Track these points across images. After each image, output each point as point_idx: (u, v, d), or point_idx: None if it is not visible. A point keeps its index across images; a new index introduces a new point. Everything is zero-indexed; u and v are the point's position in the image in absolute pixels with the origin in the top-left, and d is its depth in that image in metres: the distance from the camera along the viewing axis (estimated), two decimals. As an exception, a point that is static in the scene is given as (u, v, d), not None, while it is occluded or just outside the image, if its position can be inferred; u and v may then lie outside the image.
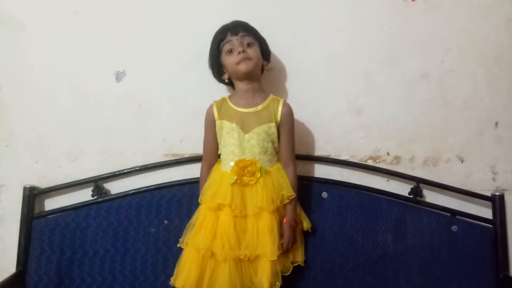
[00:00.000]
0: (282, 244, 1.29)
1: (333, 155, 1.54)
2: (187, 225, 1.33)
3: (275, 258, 1.24)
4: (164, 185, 1.48)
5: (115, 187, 1.51)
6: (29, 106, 1.52)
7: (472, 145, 1.55)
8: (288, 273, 1.32)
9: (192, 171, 1.49)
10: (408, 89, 1.54)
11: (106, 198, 1.48)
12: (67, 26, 1.51)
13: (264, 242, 1.25)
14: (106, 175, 1.49)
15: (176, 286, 1.28)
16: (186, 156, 1.51)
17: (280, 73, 1.51)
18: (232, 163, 1.28)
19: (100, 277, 1.41)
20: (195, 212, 1.33)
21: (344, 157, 1.54)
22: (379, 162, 1.54)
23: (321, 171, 1.53)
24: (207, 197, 1.29)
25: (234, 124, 1.31)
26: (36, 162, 1.51)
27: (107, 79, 1.52)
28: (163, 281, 1.40)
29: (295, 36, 1.51)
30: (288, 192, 1.29)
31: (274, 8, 1.50)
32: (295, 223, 1.33)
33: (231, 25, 1.35)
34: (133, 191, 1.48)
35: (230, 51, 1.32)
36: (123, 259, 1.42)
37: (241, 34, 1.32)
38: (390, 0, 1.53)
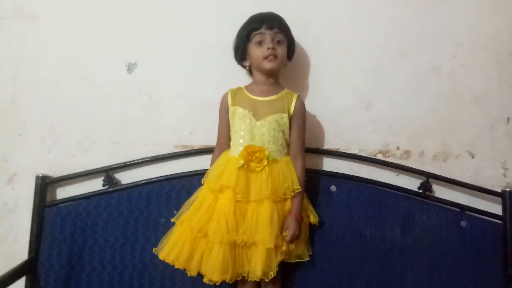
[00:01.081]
0: (285, 236, 1.28)
1: (342, 148, 1.53)
2: (185, 203, 1.34)
3: (272, 246, 1.24)
4: (174, 176, 1.49)
5: (126, 177, 1.52)
6: (42, 96, 1.54)
7: (483, 140, 1.54)
8: (292, 261, 1.32)
9: (201, 162, 1.50)
10: (419, 84, 1.53)
11: (116, 188, 1.49)
12: (79, 18, 1.53)
13: (262, 230, 1.25)
14: (117, 165, 1.51)
15: (165, 260, 1.29)
16: (196, 148, 1.53)
17: (290, 66, 1.49)
18: (241, 148, 1.29)
19: (110, 265, 1.43)
20: (195, 192, 1.34)
21: (353, 151, 1.54)
22: (388, 156, 1.54)
23: (330, 165, 1.53)
24: (210, 178, 1.30)
25: (246, 111, 1.32)
26: (48, 152, 1.54)
27: (119, 71, 1.53)
28: (172, 271, 1.41)
29: (305, 30, 1.51)
30: (294, 185, 1.30)
31: (285, 2, 1.50)
32: (301, 217, 1.33)
33: (268, 17, 1.35)
34: (144, 182, 1.49)
35: (260, 43, 1.33)
36: (133, 248, 1.44)
37: (275, 30, 1.33)
38: (401, -6, 1.52)
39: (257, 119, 1.32)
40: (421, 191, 1.50)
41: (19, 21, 1.53)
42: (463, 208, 1.50)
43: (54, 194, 1.53)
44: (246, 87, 1.40)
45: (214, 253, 1.25)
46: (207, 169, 1.46)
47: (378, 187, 1.50)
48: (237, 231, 1.25)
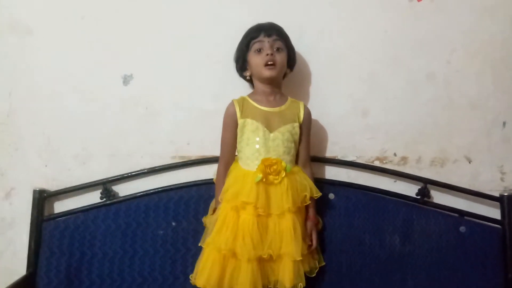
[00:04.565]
0: (310, 245, 1.31)
1: (340, 156, 1.54)
2: (207, 224, 1.32)
3: (300, 258, 1.24)
4: (171, 187, 1.49)
5: (124, 190, 1.52)
6: (38, 110, 1.54)
7: (480, 145, 1.54)
8: (314, 275, 1.32)
9: (199, 173, 1.50)
10: (414, 90, 1.54)
11: (114, 200, 1.49)
12: (74, 31, 1.53)
13: (287, 242, 1.25)
14: (115, 178, 1.50)
15: (197, 286, 1.27)
16: (193, 158, 1.52)
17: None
18: (257, 162, 1.28)
19: (109, 278, 1.42)
20: (215, 212, 1.32)
21: (350, 158, 1.54)
22: (386, 163, 1.54)
23: (328, 172, 1.54)
24: (229, 195, 1.28)
25: (259, 123, 1.31)
26: (46, 166, 1.53)
27: (115, 83, 1.53)
28: (171, 283, 1.41)
29: (300, 38, 1.51)
30: (314, 192, 1.31)
31: (279, 11, 1.51)
32: (317, 220, 1.37)
33: (267, 26, 1.36)
34: (141, 193, 1.49)
35: (259, 51, 1.34)
36: (132, 261, 1.43)
37: (274, 37, 1.34)
38: (395, 1, 1.53)
39: (270, 131, 1.31)
40: (419, 197, 1.51)
41: (15, 35, 1.53)
42: (461, 213, 1.50)
43: (52, 208, 1.53)
44: (250, 97, 1.38)
45: (243, 271, 1.24)
46: (205, 179, 1.47)
47: (376, 194, 1.50)
48: (262, 245, 1.24)
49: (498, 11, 1.54)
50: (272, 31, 1.35)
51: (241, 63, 1.39)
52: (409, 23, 1.54)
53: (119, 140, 1.53)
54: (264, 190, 1.26)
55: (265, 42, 1.33)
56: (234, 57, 1.41)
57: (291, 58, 1.40)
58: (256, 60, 1.34)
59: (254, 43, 1.35)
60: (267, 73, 1.32)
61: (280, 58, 1.34)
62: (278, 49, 1.34)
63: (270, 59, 1.31)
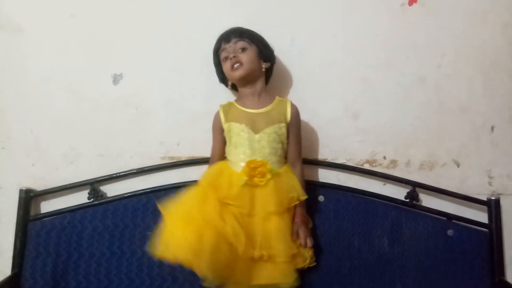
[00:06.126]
0: (299, 243, 1.30)
1: (330, 158, 1.54)
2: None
3: (288, 258, 1.25)
4: (160, 188, 1.48)
5: (112, 190, 1.50)
6: (26, 109, 1.52)
7: (468, 149, 1.56)
8: (310, 265, 1.32)
9: (189, 174, 1.49)
10: (405, 94, 1.55)
11: (102, 200, 1.47)
12: (64, 29, 1.52)
13: (276, 243, 1.25)
14: (103, 178, 1.49)
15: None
16: (183, 159, 1.51)
17: (277, 78, 1.50)
18: (243, 164, 1.28)
19: (95, 280, 1.41)
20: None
21: (340, 160, 1.54)
22: (375, 166, 1.55)
23: (318, 175, 1.54)
24: (219, 190, 1.26)
25: (243, 125, 1.31)
26: (33, 165, 1.51)
27: (105, 82, 1.52)
28: (159, 284, 1.40)
29: (292, 41, 1.51)
30: (300, 194, 1.30)
31: (271, 14, 1.51)
32: (306, 218, 1.36)
33: (225, 34, 1.38)
34: (130, 194, 1.47)
35: (226, 59, 1.35)
36: (119, 262, 1.41)
37: (233, 40, 1.35)
38: (386, 5, 1.54)
39: (256, 132, 1.31)
40: (408, 200, 1.51)
41: (4, 33, 1.51)
42: (449, 217, 1.51)
43: (38, 207, 1.51)
44: (236, 101, 1.39)
45: (240, 262, 1.21)
46: (195, 181, 1.44)
47: (366, 196, 1.50)
48: (252, 245, 1.23)
49: (489, 16, 1.55)
50: (230, 36, 1.36)
51: (221, 76, 1.41)
52: (401, 28, 1.54)
53: (108, 140, 1.52)
54: (249, 192, 1.26)
55: (227, 48, 1.35)
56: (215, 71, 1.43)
57: (263, 51, 1.38)
58: (225, 68, 1.36)
59: (220, 53, 1.37)
60: (235, 74, 1.33)
61: (246, 56, 1.33)
62: (242, 49, 1.34)
63: (233, 62, 1.33)
